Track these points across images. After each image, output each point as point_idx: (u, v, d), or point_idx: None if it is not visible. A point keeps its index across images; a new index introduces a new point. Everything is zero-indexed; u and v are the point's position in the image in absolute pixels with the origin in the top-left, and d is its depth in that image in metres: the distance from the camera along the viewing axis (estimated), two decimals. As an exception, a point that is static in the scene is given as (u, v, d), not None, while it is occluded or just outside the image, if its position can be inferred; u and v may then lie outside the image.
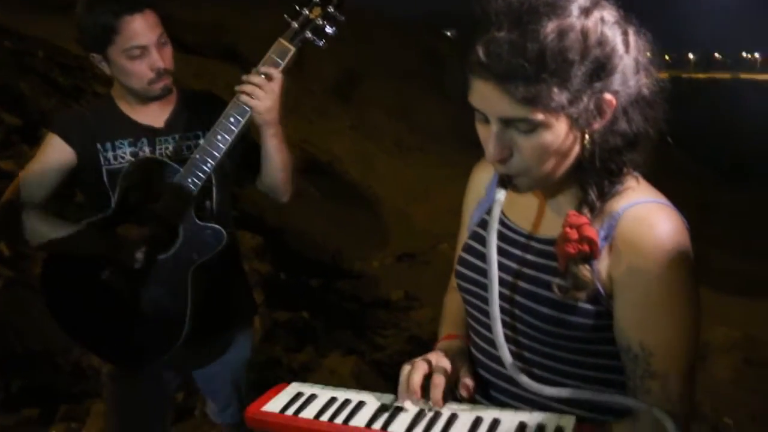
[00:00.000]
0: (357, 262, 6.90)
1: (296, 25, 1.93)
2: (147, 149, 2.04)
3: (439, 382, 1.22)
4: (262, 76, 1.91)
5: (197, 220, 1.95)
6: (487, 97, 1.09)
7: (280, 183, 2.12)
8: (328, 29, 1.94)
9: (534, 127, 1.09)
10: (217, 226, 1.96)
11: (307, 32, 1.92)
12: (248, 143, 2.12)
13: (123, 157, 2.02)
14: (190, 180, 1.92)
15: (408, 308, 5.53)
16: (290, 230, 6.92)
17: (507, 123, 1.11)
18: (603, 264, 1.16)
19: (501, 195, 1.18)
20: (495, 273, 1.16)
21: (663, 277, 1.11)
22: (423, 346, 4.66)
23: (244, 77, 1.93)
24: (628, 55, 1.10)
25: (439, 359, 1.28)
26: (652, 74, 1.13)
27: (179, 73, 2.11)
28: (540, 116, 1.07)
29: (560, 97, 1.05)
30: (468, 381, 1.28)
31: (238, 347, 2.26)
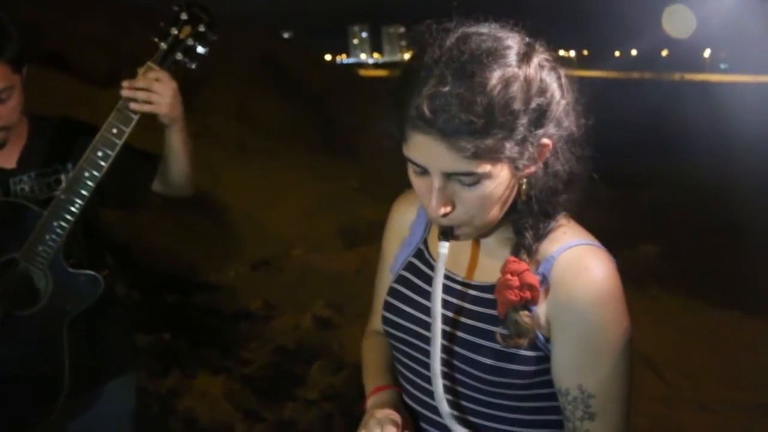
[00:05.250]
0: (212, 273, 6.69)
1: (165, 47, 1.75)
2: None
3: None
4: (149, 76, 1.73)
5: (68, 268, 1.76)
6: (430, 152, 1.05)
7: (189, 176, 1.98)
8: (200, 49, 1.78)
9: (479, 179, 1.06)
10: (91, 272, 1.77)
11: (178, 54, 1.76)
12: (133, 156, 1.94)
13: None
14: (56, 224, 1.71)
15: (268, 317, 5.44)
16: (139, 246, 6.59)
17: (449, 176, 1.07)
18: (540, 309, 1.15)
19: (444, 249, 1.15)
20: (438, 329, 1.13)
21: (599, 319, 1.12)
22: (288, 355, 4.62)
23: (125, 92, 1.73)
24: (564, 98, 1.10)
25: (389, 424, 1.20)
26: (579, 114, 1.14)
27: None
28: (487, 168, 1.05)
29: (508, 149, 1.03)
30: None
31: (120, 397, 2.05)
